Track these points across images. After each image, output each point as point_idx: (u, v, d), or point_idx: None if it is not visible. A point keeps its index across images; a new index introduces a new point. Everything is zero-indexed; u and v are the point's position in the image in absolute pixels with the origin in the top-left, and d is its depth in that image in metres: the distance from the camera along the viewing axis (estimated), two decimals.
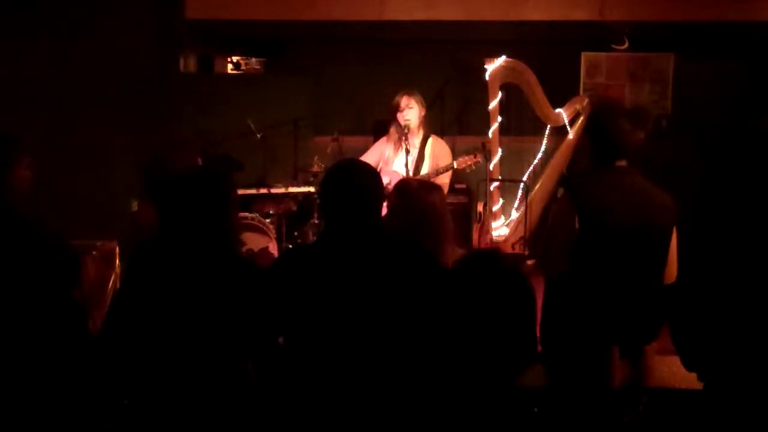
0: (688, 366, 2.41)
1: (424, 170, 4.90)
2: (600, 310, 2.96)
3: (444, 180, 4.88)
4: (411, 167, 4.85)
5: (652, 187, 3.06)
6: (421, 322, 2.40)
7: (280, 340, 2.49)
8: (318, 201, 2.34)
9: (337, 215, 2.48)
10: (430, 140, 4.97)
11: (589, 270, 2.96)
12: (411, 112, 4.80)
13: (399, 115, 4.80)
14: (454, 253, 2.90)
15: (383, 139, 5.04)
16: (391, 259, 2.45)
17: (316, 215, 5.53)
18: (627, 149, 3.05)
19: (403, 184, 3.12)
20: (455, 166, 4.90)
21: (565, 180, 6.00)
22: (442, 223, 2.90)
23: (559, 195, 5.62)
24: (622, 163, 3.05)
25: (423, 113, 4.89)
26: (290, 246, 5.45)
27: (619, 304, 2.98)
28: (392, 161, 4.94)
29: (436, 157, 4.94)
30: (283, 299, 2.43)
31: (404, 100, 4.79)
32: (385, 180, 4.92)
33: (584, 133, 3.20)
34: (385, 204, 3.00)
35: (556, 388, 2.96)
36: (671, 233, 3.07)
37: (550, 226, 3.15)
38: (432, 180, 4.78)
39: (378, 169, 4.97)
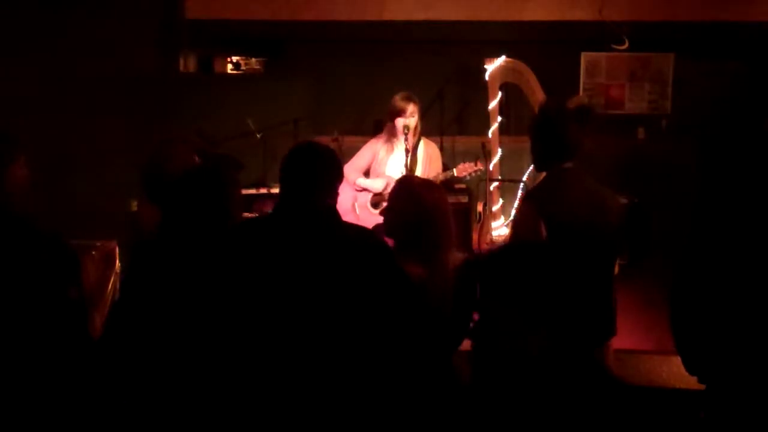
0: (690, 369, 2.40)
1: (417, 172, 4.90)
2: (567, 309, 2.95)
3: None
4: (402, 170, 4.84)
5: (600, 186, 3.07)
6: (359, 302, 2.42)
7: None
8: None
9: (286, 191, 2.53)
10: (421, 143, 4.97)
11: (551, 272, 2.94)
12: (413, 120, 4.80)
13: (400, 119, 4.79)
14: (453, 257, 2.88)
15: (374, 140, 5.03)
16: (333, 238, 2.48)
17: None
18: (574, 150, 3.04)
19: (405, 181, 3.11)
20: (455, 174, 4.88)
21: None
22: (443, 222, 2.89)
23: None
24: (569, 164, 3.04)
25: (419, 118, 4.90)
26: None
27: (584, 303, 2.98)
28: (385, 162, 4.93)
29: (429, 159, 4.94)
30: (229, 275, 2.45)
31: (411, 107, 4.77)
32: (383, 183, 4.91)
33: (530, 136, 3.16)
34: (386, 201, 3.02)
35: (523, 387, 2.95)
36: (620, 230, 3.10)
37: (513, 233, 3.14)
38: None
39: (371, 170, 4.96)
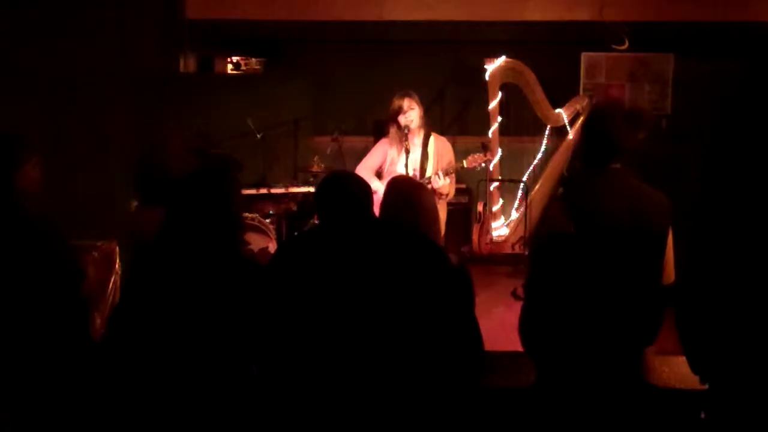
0: (696, 369, 2.40)
1: (430, 169, 4.89)
2: (597, 312, 2.94)
3: (448, 180, 4.87)
4: (415, 167, 4.84)
5: (647, 187, 3.05)
6: (425, 301, 2.45)
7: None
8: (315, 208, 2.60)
9: (333, 214, 2.60)
10: (431, 138, 4.97)
11: (585, 273, 2.94)
12: (413, 113, 4.80)
13: (401, 117, 4.80)
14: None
15: (384, 141, 5.02)
16: (391, 240, 2.54)
17: (316, 215, 5.53)
18: (623, 151, 3.03)
19: (394, 182, 3.12)
20: (465, 165, 4.89)
21: (563, 182, 6.00)
22: (432, 222, 2.90)
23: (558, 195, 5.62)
24: (617, 165, 3.04)
25: (422, 113, 4.90)
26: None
27: (617, 307, 2.96)
28: (396, 163, 4.93)
29: (440, 154, 4.94)
30: (285, 288, 2.48)
31: (406, 103, 4.79)
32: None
33: (580, 134, 3.18)
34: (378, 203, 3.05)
35: (547, 389, 2.95)
36: (667, 233, 3.06)
37: (544, 230, 3.14)
38: (444, 179, 4.76)
39: (382, 172, 4.96)
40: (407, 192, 2.96)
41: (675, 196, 3.15)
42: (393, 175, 4.90)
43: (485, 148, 5.06)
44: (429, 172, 4.86)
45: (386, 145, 4.98)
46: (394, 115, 4.83)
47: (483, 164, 4.99)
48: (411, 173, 4.77)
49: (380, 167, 4.99)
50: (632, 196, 2.99)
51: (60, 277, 2.66)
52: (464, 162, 4.87)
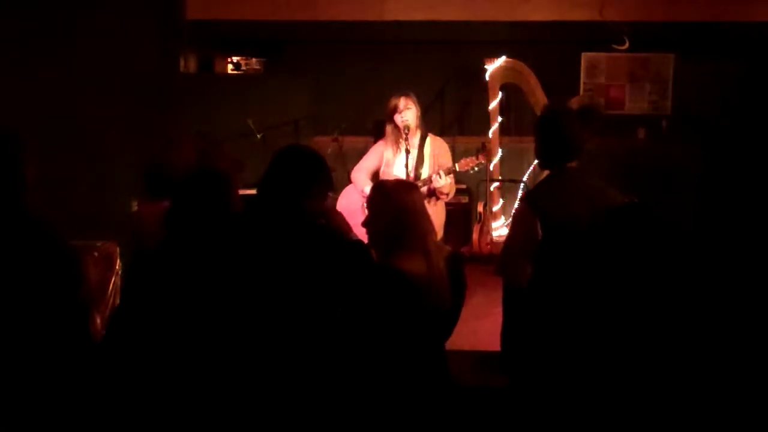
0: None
1: (425, 170, 4.88)
2: (566, 312, 2.94)
3: (449, 180, 4.86)
4: (411, 168, 4.83)
5: (606, 187, 3.06)
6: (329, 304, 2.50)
7: None
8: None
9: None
10: (428, 139, 4.95)
11: (553, 273, 2.93)
12: (409, 113, 4.78)
13: (397, 117, 4.79)
14: (440, 251, 2.90)
15: (381, 142, 5.02)
16: (307, 240, 2.57)
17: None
18: (578, 150, 3.04)
19: (381, 184, 3.11)
20: (457, 169, 4.88)
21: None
22: (421, 222, 2.90)
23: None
24: (573, 164, 3.04)
25: (419, 113, 4.89)
26: None
27: (585, 306, 2.97)
28: (393, 163, 4.92)
29: (436, 155, 4.92)
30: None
31: (402, 102, 4.77)
32: None
33: (535, 137, 3.17)
34: (365, 204, 3.05)
35: (518, 391, 2.95)
36: None
37: (510, 232, 3.14)
38: (445, 178, 4.75)
39: (380, 173, 4.94)
40: (390, 194, 2.93)
41: (675, 196, 3.16)
42: (389, 176, 4.89)
43: (484, 148, 5.05)
44: (424, 174, 4.86)
45: (382, 146, 4.97)
46: (390, 114, 4.82)
47: (476, 167, 4.98)
48: (406, 174, 4.77)
49: (377, 169, 4.98)
50: (591, 193, 2.99)
51: (59, 278, 2.66)
52: (456, 165, 4.87)
